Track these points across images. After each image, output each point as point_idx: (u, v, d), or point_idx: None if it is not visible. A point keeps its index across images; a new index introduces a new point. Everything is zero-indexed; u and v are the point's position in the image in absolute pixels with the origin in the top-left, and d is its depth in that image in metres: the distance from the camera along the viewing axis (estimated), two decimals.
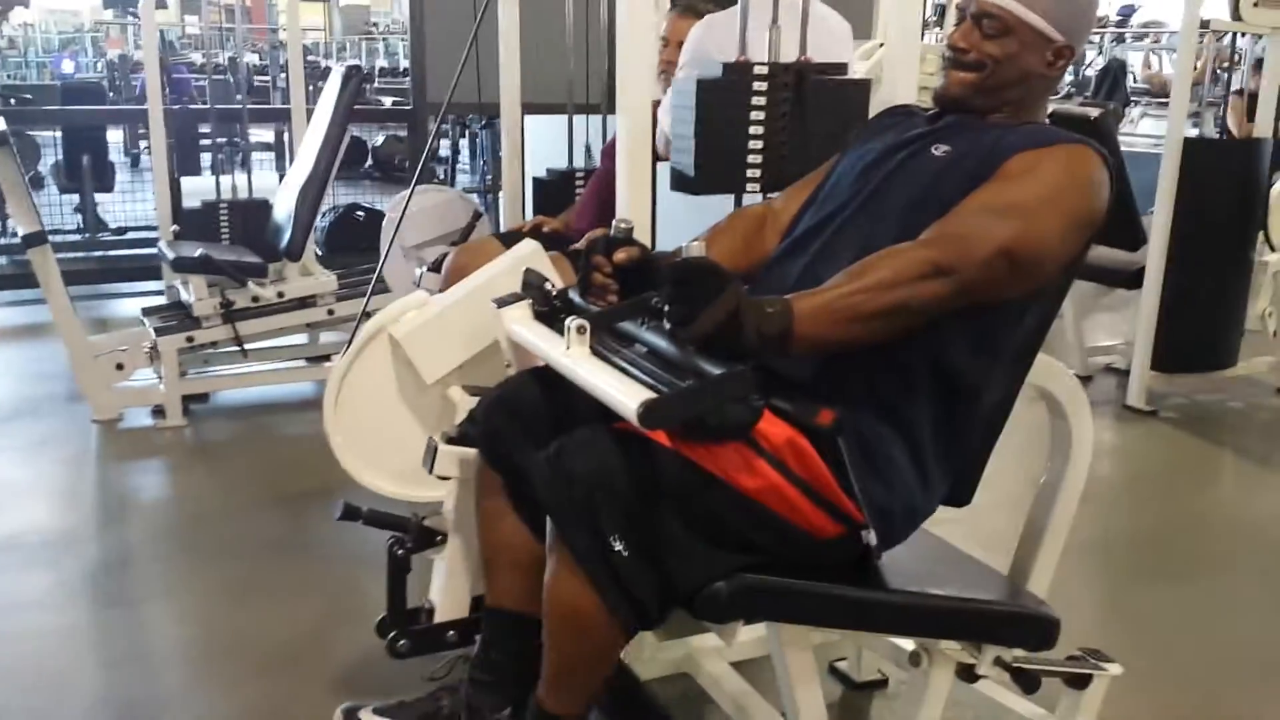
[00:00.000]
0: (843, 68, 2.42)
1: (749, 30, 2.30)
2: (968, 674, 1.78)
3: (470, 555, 2.06)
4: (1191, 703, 2.45)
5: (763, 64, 2.23)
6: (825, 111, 2.28)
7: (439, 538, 2.14)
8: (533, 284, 1.80)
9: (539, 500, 1.59)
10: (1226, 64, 6.96)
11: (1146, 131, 9.47)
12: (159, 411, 4.02)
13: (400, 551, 2.10)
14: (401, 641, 2.07)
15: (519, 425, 1.79)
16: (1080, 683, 1.91)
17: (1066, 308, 4.31)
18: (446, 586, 2.11)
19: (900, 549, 1.73)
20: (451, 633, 2.09)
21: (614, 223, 1.74)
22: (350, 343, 2.44)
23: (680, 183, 2.29)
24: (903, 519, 1.70)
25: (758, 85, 2.23)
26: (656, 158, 2.39)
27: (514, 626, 1.84)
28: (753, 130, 2.23)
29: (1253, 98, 5.01)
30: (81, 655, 2.52)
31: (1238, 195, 4.36)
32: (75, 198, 7.15)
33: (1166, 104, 4.98)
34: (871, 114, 2.21)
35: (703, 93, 2.21)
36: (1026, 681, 1.79)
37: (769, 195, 2.22)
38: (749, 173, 2.26)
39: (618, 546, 1.48)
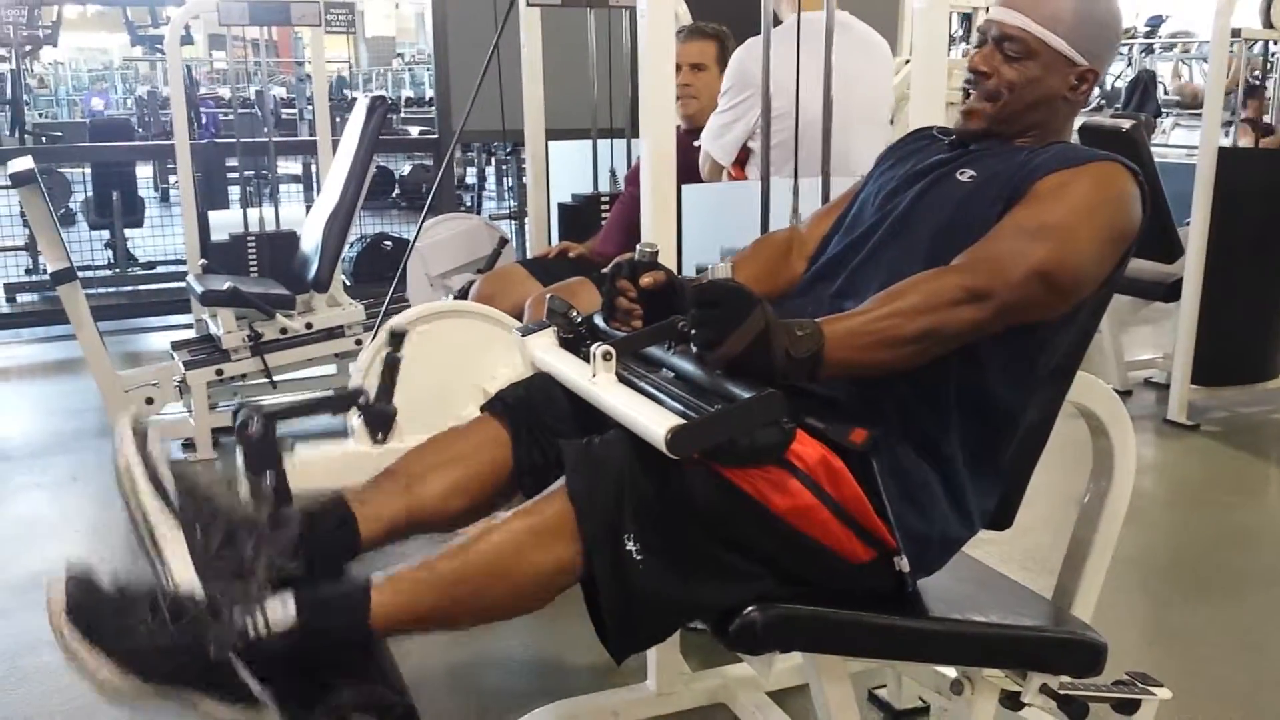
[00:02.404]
0: None
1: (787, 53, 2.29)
2: (1012, 702, 1.74)
3: (358, 474, 1.79)
4: None
5: None
6: None
7: (380, 435, 2.06)
8: (557, 310, 1.77)
9: (564, 461, 1.49)
10: (1259, 73, 6.88)
11: (1179, 142, 9.39)
12: (189, 445, 4.02)
13: (362, 401, 2.00)
14: (258, 427, 1.77)
15: (550, 408, 1.72)
16: (1129, 708, 1.85)
17: (1104, 322, 4.22)
18: (321, 458, 2.01)
19: (941, 573, 1.69)
20: (274, 476, 1.77)
21: (639, 247, 1.72)
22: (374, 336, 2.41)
23: None
24: (938, 547, 1.65)
25: None
26: (683, 180, 2.37)
27: (343, 528, 1.61)
28: None
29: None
30: None
31: (1275, 203, 4.29)
32: (106, 233, 7.20)
33: (1198, 114, 4.92)
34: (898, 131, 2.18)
35: None
36: (1074, 709, 1.73)
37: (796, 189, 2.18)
38: None
39: (631, 546, 1.44)
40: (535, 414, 1.71)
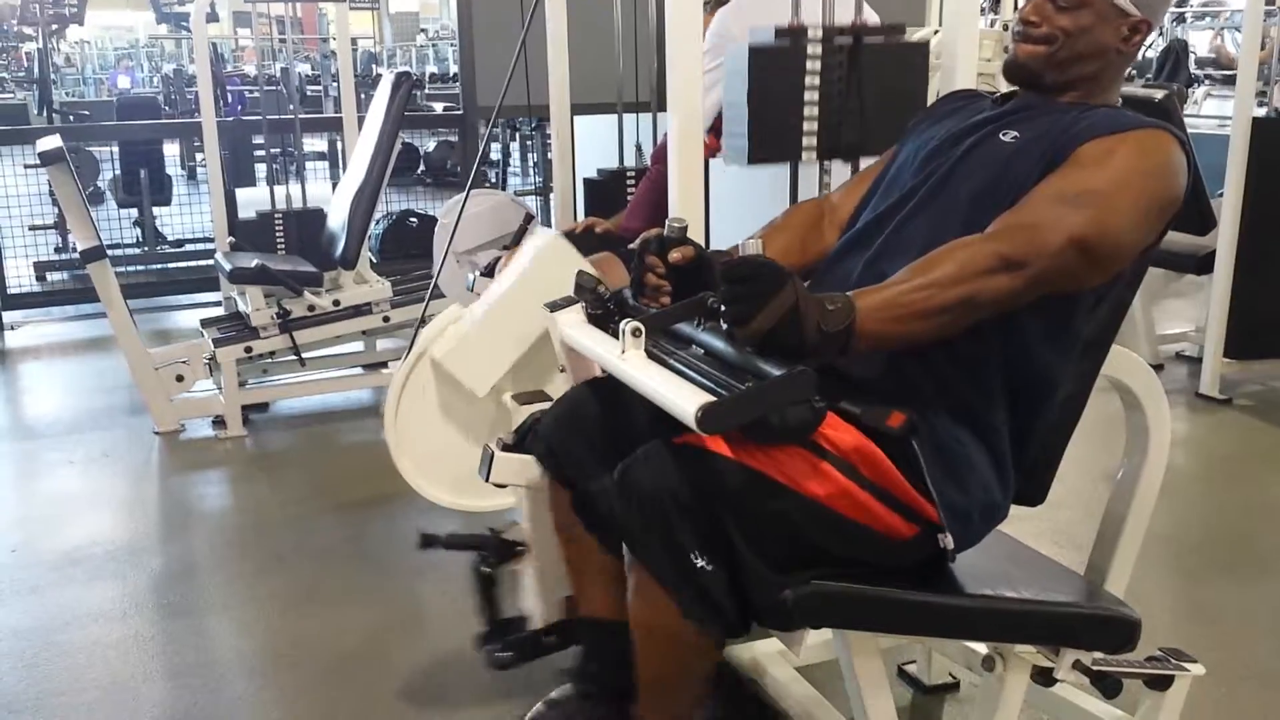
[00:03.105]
0: (899, 29, 2.35)
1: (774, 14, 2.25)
2: (1044, 678, 1.72)
3: (554, 559, 2.03)
4: (1274, 702, 2.36)
5: (817, 27, 2.17)
6: (883, 75, 2.21)
7: (518, 547, 2.11)
8: (585, 286, 1.76)
9: (616, 524, 1.55)
10: None
11: (1211, 112, 9.27)
12: (219, 422, 4.04)
13: (485, 569, 2.08)
14: (504, 652, 2.01)
15: (583, 442, 1.74)
16: (1162, 684, 1.85)
17: (1135, 295, 4.21)
18: (539, 592, 2.08)
19: (973, 549, 1.68)
20: (550, 636, 2.02)
21: (667, 222, 1.70)
22: (408, 352, 2.43)
23: (735, 155, 2.24)
24: (980, 520, 1.64)
25: (812, 50, 2.17)
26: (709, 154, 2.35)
27: (608, 635, 1.76)
28: (808, 97, 2.18)
29: None
30: (146, 665, 2.53)
31: None
32: (134, 212, 7.24)
33: (1232, 82, 4.85)
34: (930, 93, 2.15)
35: (755, 59, 2.15)
36: (1108, 685, 1.73)
37: (825, 167, 2.15)
38: (805, 140, 2.21)
39: (700, 563, 1.45)
40: (573, 463, 1.76)
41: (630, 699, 1.65)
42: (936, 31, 4.45)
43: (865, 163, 2.32)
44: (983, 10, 9.12)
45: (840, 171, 2.40)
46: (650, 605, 1.50)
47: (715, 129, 2.88)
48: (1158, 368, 4.63)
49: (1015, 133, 1.70)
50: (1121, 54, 1.72)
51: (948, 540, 1.56)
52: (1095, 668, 1.71)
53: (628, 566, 1.55)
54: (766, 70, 2.17)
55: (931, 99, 2.18)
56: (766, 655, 2.24)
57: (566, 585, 1.95)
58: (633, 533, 1.50)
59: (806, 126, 2.18)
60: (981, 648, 1.77)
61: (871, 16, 2.75)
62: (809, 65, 2.18)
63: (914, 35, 4.71)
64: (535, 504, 1.98)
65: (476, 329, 2.31)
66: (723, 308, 1.44)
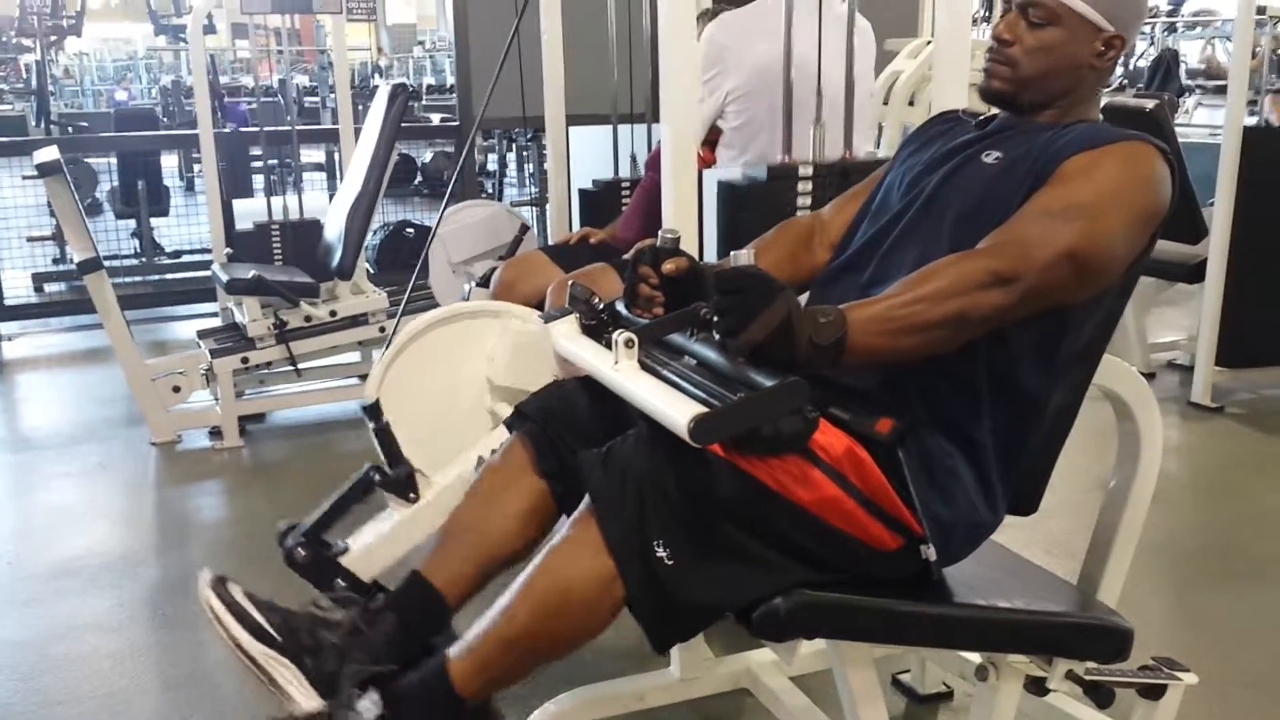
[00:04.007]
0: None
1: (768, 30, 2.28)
2: (1037, 687, 1.73)
3: (413, 537, 2.01)
4: (1268, 710, 2.37)
5: (807, 164, 2.28)
6: None
7: (412, 495, 2.10)
8: (579, 297, 1.77)
9: (583, 479, 1.52)
10: None
11: (1202, 121, 9.30)
12: (216, 432, 4.05)
13: (376, 477, 2.04)
14: (304, 551, 1.95)
15: (573, 419, 1.75)
16: (1155, 693, 1.85)
17: (1127, 304, 4.22)
18: (376, 542, 2.06)
19: (965, 559, 1.69)
20: (343, 583, 1.97)
21: (660, 233, 1.71)
22: (391, 340, 2.42)
23: None
24: (965, 535, 1.65)
25: (802, 186, 2.23)
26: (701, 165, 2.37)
27: (430, 604, 1.70)
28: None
29: None
30: (142, 677, 2.53)
31: None
32: (132, 222, 7.24)
33: (1222, 91, 4.87)
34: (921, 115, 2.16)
35: (748, 196, 2.21)
36: (1100, 695, 1.73)
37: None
38: None
39: (661, 553, 1.45)
40: (553, 420, 1.75)
41: (395, 670, 1.58)
42: (929, 42, 4.46)
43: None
44: (978, 20, 9.17)
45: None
46: (580, 564, 1.48)
47: (709, 141, 2.90)
48: (1150, 376, 4.64)
49: (998, 153, 1.72)
50: (1096, 69, 1.73)
51: (929, 552, 1.57)
52: (1088, 677, 1.72)
53: (573, 522, 1.52)
54: (753, 208, 2.24)
55: (923, 110, 2.20)
56: (760, 665, 2.25)
57: (393, 567, 1.92)
58: (601, 497, 1.48)
59: None
60: (975, 657, 1.78)
61: (862, 23, 2.78)
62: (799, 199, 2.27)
63: (907, 46, 4.73)
64: (455, 495, 1.93)
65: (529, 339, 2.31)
66: (715, 318, 1.45)
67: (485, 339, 2.32)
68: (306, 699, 1.54)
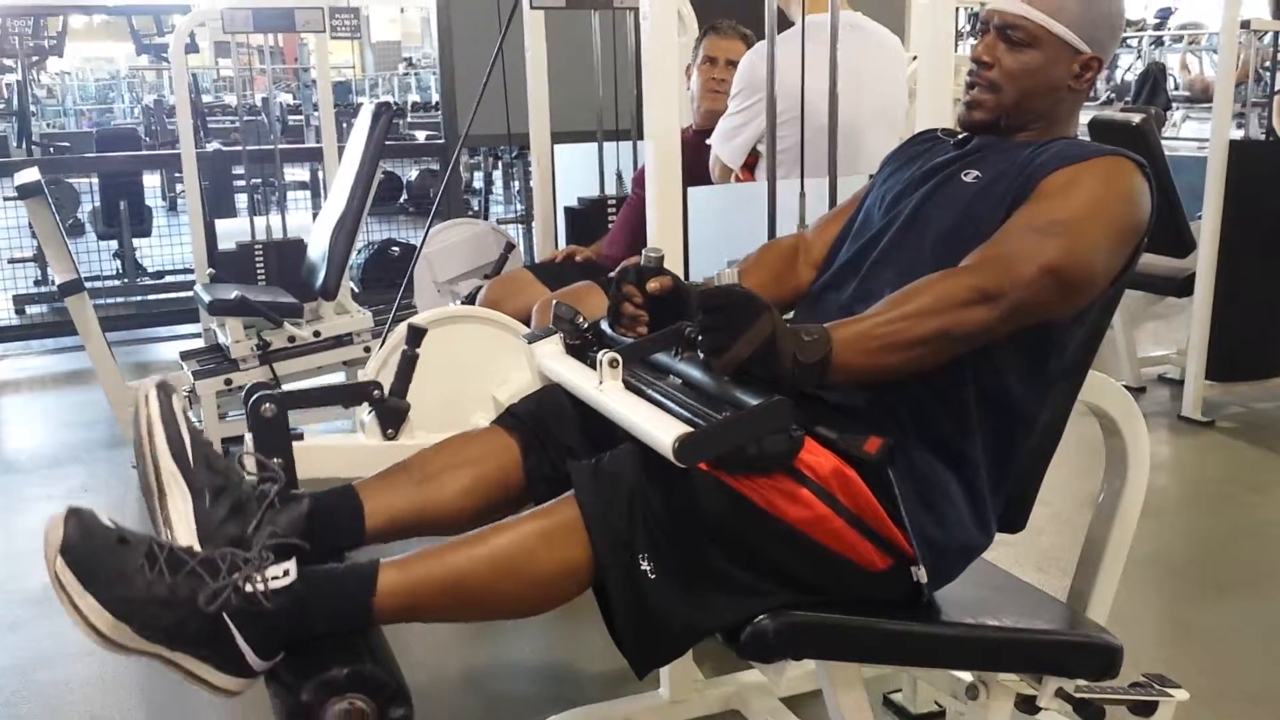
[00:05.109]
0: None
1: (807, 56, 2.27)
2: (1028, 706, 1.72)
3: (364, 467, 1.83)
4: None
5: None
6: None
7: (391, 431, 2.06)
8: (564, 317, 1.76)
9: (574, 488, 1.48)
10: (1269, 64, 6.84)
11: (1190, 135, 9.34)
12: None
13: (375, 393, 1.99)
14: (271, 411, 1.82)
15: (562, 425, 1.72)
16: (1146, 710, 1.83)
17: (1116, 318, 4.20)
18: (329, 447, 2.01)
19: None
20: (284, 460, 1.80)
21: (644, 252, 1.70)
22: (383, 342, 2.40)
23: None
24: (955, 555, 1.64)
25: None
26: (691, 183, 2.36)
27: (350, 516, 1.63)
28: None
29: None
30: (125, 703, 2.50)
31: None
32: (114, 243, 7.21)
33: (1209, 106, 4.89)
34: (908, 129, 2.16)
35: None
36: (1090, 713, 1.72)
37: (803, 194, 2.16)
38: None
39: (644, 566, 1.43)
40: (545, 428, 1.71)
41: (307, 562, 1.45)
42: (914, 58, 4.46)
43: (843, 187, 2.34)
44: (961, 35, 9.20)
45: (817, 200, 2.41)
46: (556, 541, 1.44)
47: (748, 165, 2.91)
48: (1140, 391, 4.65)
49: (976, 172, 1.72)
50: (1074, 91, 1.75)
51: (921, 574, 1.55)
52: (1078, 695, 1.71)
53: (555, 504, 1.48)
54: None
55: (909, 126, 2.20)
56: (751, 687, 2.23)
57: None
58: (591, 510, 1.44)
59: None
60: (966, 676, 1.76)
61: (893, 40, 2.80)
62: None
63: None
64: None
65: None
66: (699, 337, 1.44)
67: (514, 360, 2.31)
68: (185, 531, 1.45)
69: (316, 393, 1.91)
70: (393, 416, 2.06)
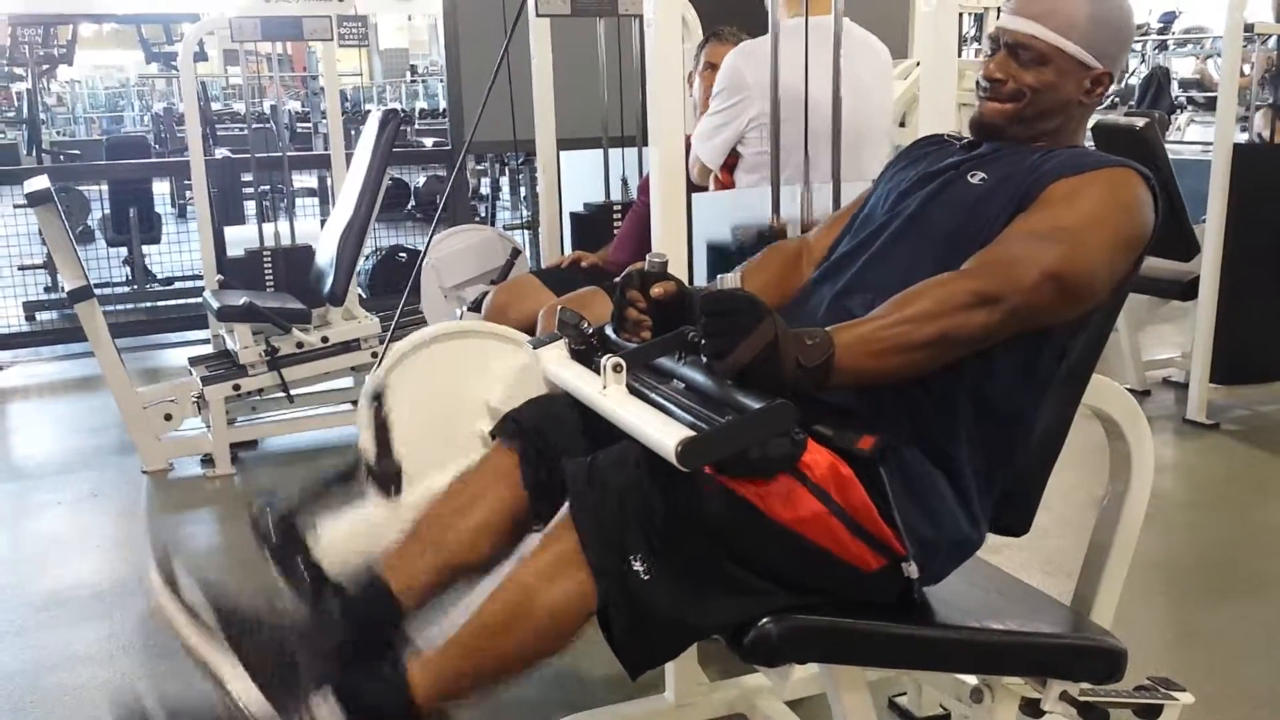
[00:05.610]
0: None
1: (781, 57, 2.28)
2: (1033, 709, 1.73)
3: (385, 536, 1.93)
4: None
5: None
6: None
7: (394, 491, 2.07)
8: (568, 322, 1.77)
9: (567, 485, 1.51)
10: (1274, 68, 6.84)
11: (1194, 138, 9.33)
12: (208, 460, 4.03)
13: (367, 465, 2.00)
14: (277, 533, 1.81)
15: (563, 433, 1.73)
16: (1151, 714, 1.84)
17: (1121, 321, 4.22)
18: (347, 534, 2.01)
19: (957, 580, 1.68)
20: (305, 567, 1.81)
21: (648, 257, 1.71)
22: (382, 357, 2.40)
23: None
24: (947, 553, 1.64)
25: None
26: (691, 188, 2.37)
27: (385, 608, 1.65)
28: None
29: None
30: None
31: None
32: (124, 250, 7.24)
33: (1214, 102, 4.89)
34: (909, 133, 2.16)
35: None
36: (1094, 716, 1.72)
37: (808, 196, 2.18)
38: None
39: (637, 567, 1.43)
40: (543, 434, 1.72)
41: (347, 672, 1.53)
42: (918, 64, 4.47)
43: (847, 192, 2.35)
44: (967, 40, 9.21)
45: (821, 202, 2.42)
46: (553, 572, 1.46)
47: (728, 165, 2.91)
48: (1144, 394, 4.65)
49: (983, 175, 1.72)
50: (1084, 105, 1.76)
51: (911, 569, 1.56)
52: (1082, 698, 1.71)
53: (550, 534, 1.50)
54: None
55: (911, 131, 2.21)
56: (756, 690, 2.23)
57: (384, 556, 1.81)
58: (582, 506, 1.47)
59: None
60: (970, 679, 1.77)
61: (877, 44, 2.80)
62: None
63: (897, 68, 4.74)
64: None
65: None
66: (702, 341, 1.45)
67: (495, 361, 2.31)
68: (245, 689, 1.49)
69: (310, 494, 1.93)
70: (386, 480, 2.07)
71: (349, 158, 4.63)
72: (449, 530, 1.69)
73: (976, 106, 1.79)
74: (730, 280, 1.53)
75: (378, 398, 2.10)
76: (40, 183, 3.79)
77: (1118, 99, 10.44)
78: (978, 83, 1.78)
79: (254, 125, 5.45)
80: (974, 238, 1.63)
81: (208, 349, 4.87)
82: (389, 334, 2.78)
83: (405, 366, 2.24)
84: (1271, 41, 6.46)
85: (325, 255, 4.29)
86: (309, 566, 1.75)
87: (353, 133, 6.09)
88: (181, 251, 7.09)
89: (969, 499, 1.65)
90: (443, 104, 11.33)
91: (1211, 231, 4.15)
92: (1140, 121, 4.08)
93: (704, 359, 1.46)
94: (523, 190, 8.24)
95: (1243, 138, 5.71)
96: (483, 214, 8.55)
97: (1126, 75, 11.55)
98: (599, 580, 1.44)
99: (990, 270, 1.56)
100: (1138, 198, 1.63)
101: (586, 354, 1.73)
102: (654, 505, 1.45)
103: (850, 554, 1.54)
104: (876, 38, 2.88)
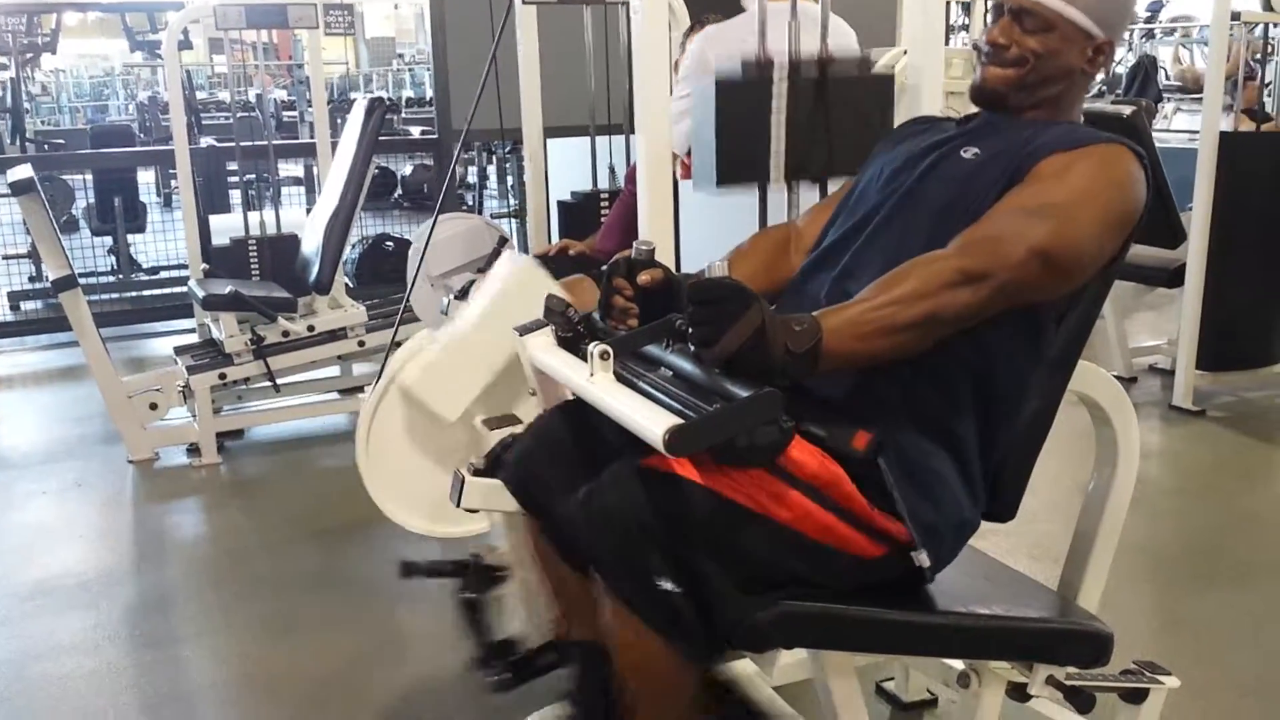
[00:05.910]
0: (866, 62, 2.38)
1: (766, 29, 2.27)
2: (1019, 694, 1.73)
3: (537, 581, 2.01)
4: (1251, 712, 2.37)
5: (783, 63, 2.21)
6: (849, 105, 2.24)
7: (499, 572, 2.08)
8: (555, 309, 1.76)
9: (582, 549, 1.54)
10: (1260, 56, 6.85)
11: (1181, 126, 9.35)
12: (194, 449, 4.02)
13: (469, 596, 2.04)
14: (501, 674, 1.95)
15: (552, 471, 1.72)
16: (1137, 697, 1.85)
17: (1107, 308, 4.23)
18: (526, 613, 2.04)
19: (945, 567, 1.68)
20: (544, 655, 1.96)
21: (635, 245, 1.70)
22: (378, 378, 2.41)
23: (703, 181, 2.26)
24: (952, 536, 1.65)
25: (778, 82, 2.20)
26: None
27: (595, 657, 1.70)
28: (774, 127, 2.20)
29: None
30: (119, 698, 2.51)
31: (1278, 187, 4.27)
32: (108, 239, 7.20)
33: (1200, 99, 4.90)
34: (896, 118, 2.16)
35: (722, 93, 2.16)
36: (1081, 700, 1.73)
37: (794, 189, 2.17)
38: (772, 166, 2.24)
39: (666, 586, 1.44)
40: (543, 490, 1.73)
41: None
42: (905, 52, 4.47)
43: (833, 185, 2.34)
44: (954, 29, 9.20)
45: (808, 195, 2.41)
46: (624, 628, 1.49)
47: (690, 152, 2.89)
48: (1131, 381, 4.66)
49: (976, 149, 1.72)
50: (1085, 74, 1.75)
51: (923, 559, 1.56)
52: (1068, 682, 1.72)
53: (599, 590, 1.53)
54: (733, 102, 2.19)
55: (900, 120, 2.20)
56: (742, 675, 2.23)
57: (553, 606, 1.93)
58: (598, 558, 1.49)
59: (774, 154, 2.20)
60: (958, 664, 1.78)
61: (840, 25, 2.78)
62: (775, 98, 2.20)
63: (884, 57, 4.74)
64: (513, 528, 1.96)
65: (446, 354, 2.30)
66: (690, 329, 1.44)
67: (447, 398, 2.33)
68: None
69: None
70: (486, 576, 2.07)
71: (335, 146, 4.62)
72: (560, 589, 1.80)
73: (977, 72, 1.77)
74: (718, 268, 1.53)
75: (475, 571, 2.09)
76: (24, 172, 3.77)
77: (1104, 87, 10.45)
78: (977, 47, 1.77)
79: (239, 114, 5.43)
80: (966, 212, 1.62)
81: (193, 338, 4.86)
82: (390, 339, 2.77)
83: (377, 436, 2.25)
84: (1258, 30, 6.46)
85: (311, 244, 4.27)
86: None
87: (339, 121, 6.05)
88: (166, 240, 7.06)
89: (972, 476, 1.65)
90: (429, 92, 11.30)
91: (1198, 219, 4.17)
92: (1127, 109, 4.08)
93: (691, 347, 1.45)
94: (510, 179, 8.22)
95: (1229, 126, 5.71)
96: (470, 203, 8.54)
97: (1115, 64, 11.56)
98: (644, 616, 1.46)
99: (977, 247, 1.55)
100: (1130, 174, 1.63)
101: (573, 341, 1.72)
102: (654, 524, 1.44)
103: (848, 545, 1.54)
104: (844, 21, 2.86)
